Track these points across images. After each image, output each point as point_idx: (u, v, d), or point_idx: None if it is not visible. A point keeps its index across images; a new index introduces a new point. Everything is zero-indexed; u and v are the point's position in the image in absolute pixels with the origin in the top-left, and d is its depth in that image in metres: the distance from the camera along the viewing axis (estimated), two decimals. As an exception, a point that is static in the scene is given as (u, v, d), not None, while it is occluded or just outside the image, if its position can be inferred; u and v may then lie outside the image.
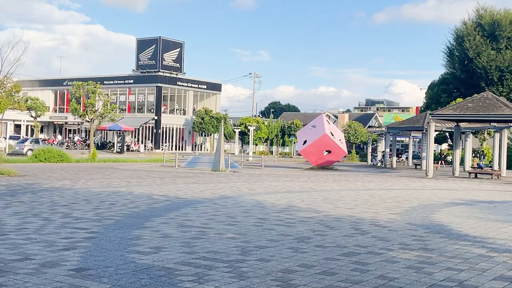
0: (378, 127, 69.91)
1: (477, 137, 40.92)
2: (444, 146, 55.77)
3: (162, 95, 61.79)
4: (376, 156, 42.23)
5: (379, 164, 39.44)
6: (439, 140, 51.00)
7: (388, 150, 38.74)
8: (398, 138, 46.09)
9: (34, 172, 19.55)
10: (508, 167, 30.35)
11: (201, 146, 65.98)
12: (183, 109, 65.21)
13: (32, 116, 46.57)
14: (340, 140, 30.14)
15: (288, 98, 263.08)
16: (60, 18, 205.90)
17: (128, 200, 11.24)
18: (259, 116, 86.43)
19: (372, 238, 7.35)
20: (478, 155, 38.36)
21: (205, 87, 66.97)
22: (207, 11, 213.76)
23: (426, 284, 4.97)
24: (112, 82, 63.69)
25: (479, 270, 5.62)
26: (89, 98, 38.69)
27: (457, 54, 55.06)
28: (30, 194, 11.78)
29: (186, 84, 64.24)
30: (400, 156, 47.69)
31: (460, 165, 27.99)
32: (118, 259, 5.59)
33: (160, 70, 61.18)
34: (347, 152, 34.76)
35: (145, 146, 59.74)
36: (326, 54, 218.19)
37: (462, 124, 29.06)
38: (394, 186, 18.21)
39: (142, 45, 62.81)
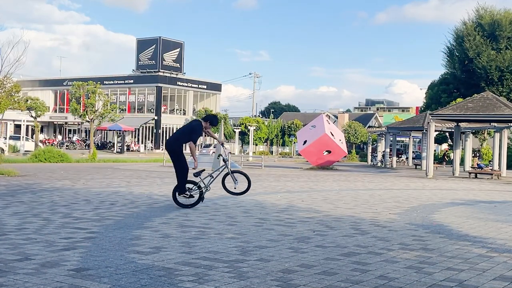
0: (378, 127, 69.96)
1: (477, 137, 40.93)
2: (444, 146, 55.79)
3: (162, 95, 61.83)
4: (376, 156, 42.22)
5: (379, 164, 39.44)
6: (439, 140, 51.02)
7: (388, 150, 38.74)
8: (398, 138, 46.08)
9: (34, 172, 19.55)
10: (508, 167, 30.35)
11: (201, 146, 65.95)
12: (183, 109, 65.25)
13: (32, 116, 46.55)
14: (340, 140, 30.13)
15: (288, 98, 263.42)
16: (60, 18, 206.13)
17: (128, 200, 11.24)
18: (259, 116, 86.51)
19: (372, 238, 7.35)
20: (476, 155, 38.36)
21: (205, 87, 67.02)
22: (207, 11, 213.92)
23: (426, 284, 4.97)
24: (112, 82, 63.74)
25: (479, 270, 5.62)
26: (89, 98, 38.69)
27: (457, 54, 55.09)
28: (30, 194, 11.78)
29: (186, 84, 64.28)
30: (400, 156, 47.70)
31: (460, 165, 27.99)
32: (118, 259, 5.59)
33: (160, 70, 61.21)
34: (347, 152, 34.76)
35: (145, 146, 59.76)
36: (326, 54, 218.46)
37: (462, 124, 29.05)
38: (394, 186, 18.21)
39: (142, 45, 62.86)
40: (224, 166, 10.55)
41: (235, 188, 10.59)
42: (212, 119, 10.29)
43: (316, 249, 6.47)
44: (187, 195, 9.98)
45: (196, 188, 10.10)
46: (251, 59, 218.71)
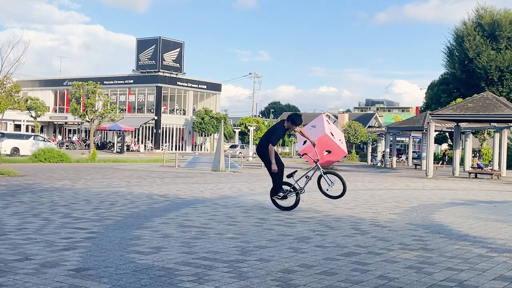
0: (378, 127, 69.96)
1: (477, 137, 40.92)
2: (444, 146, 55.78)
3: (162, 95, 61.80)
4: (376, 156, 42.22)
5: (379, 164, 39.43)
6: (439, 140, 51.02)
7: (388, 150, 38.72)
8: (398, 138, 46.07)
9: (34, 172, 19.55)
10: (508, 167, 30.35)
11: (201, 146, 65.97)
12: (183, 109, 65.22)
13: (32, 116, 46.55)
14: (340, 140, 30.05)
15: (288, 98, 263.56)
16: (60, 18, 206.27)
17: (128, 200, 11.23)
18: (259, 116, 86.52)
19: (372, 238, 7.35)
20: (476, 155, 38.38)
21: (205, 87, 66.99)
22: (207, 11, 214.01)
23: (426, 284, 4.97)
24: (112, 82, 63.72)
25: (479, 270, 5.62)
26: (89, 98, 38.67)
27: (457, 54, 55.09)
28: (30, 194, 11.77)
29: (186, 84, 64.25)
30: (400, 156, 47.68)
31: (460, 165, 27.98)
32: (118, 259, 5.59)
33: (160, 70, 61.18)
34: (347, 152, 34.76)
35: (145, 146, 59.76)
36: (326, 54, 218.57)
37: (462, 124, 29.05)
38: (394, 186, 18.20)
39: (142, 45, 62.83)
40: (316, 167, 10.15)
41: (327, 190, 10.11)
42: (293, 118, 9.99)
43: (316, 249, 6.47)
44: (279, 196, 9.94)
45: (291, 189, 9.95)
46: (251, 59, 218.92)
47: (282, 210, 9.95)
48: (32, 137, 37.76)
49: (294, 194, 9.96)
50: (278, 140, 9.99)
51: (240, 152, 52.89)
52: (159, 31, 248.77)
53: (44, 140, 38.33)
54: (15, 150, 35.41)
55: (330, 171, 10.42)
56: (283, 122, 9.98)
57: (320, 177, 10.20)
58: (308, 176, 10.14)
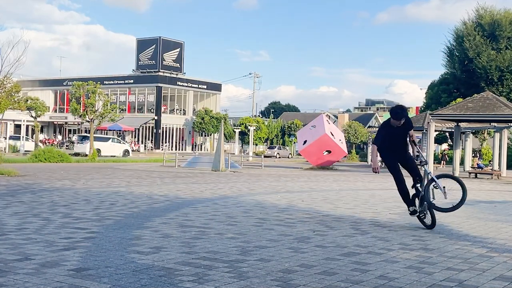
0: (378, 127, 69.85)
1: (477, 137, 40.93)
2: (444, 146, 55.77)
3: (162, 95, 61.82)
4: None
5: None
6: (439, 140, 51.01)
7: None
8: (398, 138, 46.07)
9: (34, 172, 19.55)
10: (508, 167, 30.34)
11: (201, 146, 65.97)
12: (183, 109, 65.24)
13: (32, 116, 46.49)
14: (340, 140, 30.12)
15: (288, 98, 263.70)
16: (60, 18, 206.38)
17: (128, 200, 11.23)
18: (259, 116, 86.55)
19: (372, 238, 7.35)
20: (476, 155, 38.38)
21: (205, 87, 67.01)
22: (207, 11, 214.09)
23: (426, 284, 4.97)
24: (112, 82, 63.74)
25: (479, 270, 5.62)
26: (89, 98, 38.64)
27: (457, 54, 55.11)
28: (30, 194, 11.77)
29: (186, 84, 64.27)
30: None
31: (460, 165, 27.98)
32: (118, 259, 5.59)
33: (160, 70, 61.20)
34: (347, 152, 34.74)
35: (145, 146, 59.76)
36: (326, 54, 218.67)
37: (462, 124, 29.05)
38: (394, 186, 18.11)
39: (142, 45, 62.84)
40: (426, 172, 8.80)
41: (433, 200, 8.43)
42: (391, 112, 8.51)
43: (316, 249, 6.47)
44: (410, 210, 8.60)
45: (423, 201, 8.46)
46: (251, 59, 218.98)
47: (427, 228, 8.38)
48: (110, 139, 44.28)
49: (426, 206, 8.41)
50: (382, 139, 8.71)
51: (278, 153, 54.82)
52: (159, 31, 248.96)
53: (119, 142, 44.49)
54: (97, 151, 40.26)
55: (443, 176, 8.61)
56: (389, 120, 8.52)
57: (427, 185, 8.70)
58: (437, 185, 8.56)
